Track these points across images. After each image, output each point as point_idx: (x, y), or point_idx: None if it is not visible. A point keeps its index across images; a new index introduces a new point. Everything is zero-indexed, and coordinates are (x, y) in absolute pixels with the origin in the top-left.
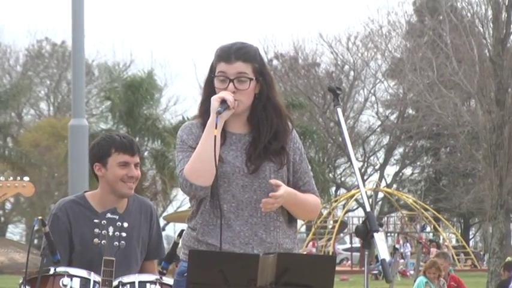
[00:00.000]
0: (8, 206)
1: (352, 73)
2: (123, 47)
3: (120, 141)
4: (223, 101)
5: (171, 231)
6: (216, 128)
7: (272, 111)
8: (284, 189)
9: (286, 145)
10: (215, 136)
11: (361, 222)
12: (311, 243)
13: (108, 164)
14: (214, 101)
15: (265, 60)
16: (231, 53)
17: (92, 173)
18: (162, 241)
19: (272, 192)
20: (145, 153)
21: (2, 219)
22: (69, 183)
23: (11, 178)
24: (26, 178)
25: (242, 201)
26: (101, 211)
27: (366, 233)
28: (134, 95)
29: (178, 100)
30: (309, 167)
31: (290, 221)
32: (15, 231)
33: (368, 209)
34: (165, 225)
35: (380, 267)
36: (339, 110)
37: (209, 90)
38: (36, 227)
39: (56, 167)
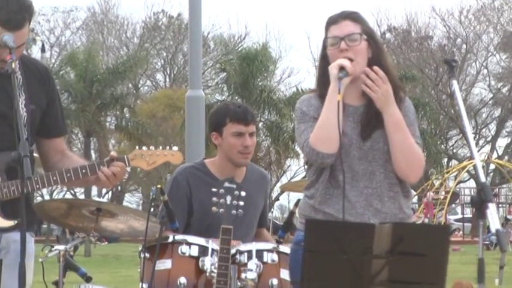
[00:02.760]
0: (125, 176)
1: (464, 46)
2: (238, 20)
3: (234, 111)
4: (341, 68)
5: (284, 200)
6: (339, 93)
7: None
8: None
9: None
10: (338, 101)
11: (472, 193)
12: (423, 213)
13: (223, 134)
14: (333, 68)
15: (378, 33)
16: (338, 15)
17: (210, 141)
18: (268, 211)
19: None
20: (260, 124)
21: (119, 188)
22: (186, 153)
23: (160, 148)
24: (175, 148)
25: (358, 173)
26: (220, 176)
27: (480, 203)
28: (249, 67)
29: (292, 72)
30: (417, 134)
31: (404, 191)
32: (132, 200)
33: (483, 179)
34: (279, 194)
35: (492, 237)
36: (455, 82)
37: (324, 65)
38: (154, 196)
39: (172, 137)
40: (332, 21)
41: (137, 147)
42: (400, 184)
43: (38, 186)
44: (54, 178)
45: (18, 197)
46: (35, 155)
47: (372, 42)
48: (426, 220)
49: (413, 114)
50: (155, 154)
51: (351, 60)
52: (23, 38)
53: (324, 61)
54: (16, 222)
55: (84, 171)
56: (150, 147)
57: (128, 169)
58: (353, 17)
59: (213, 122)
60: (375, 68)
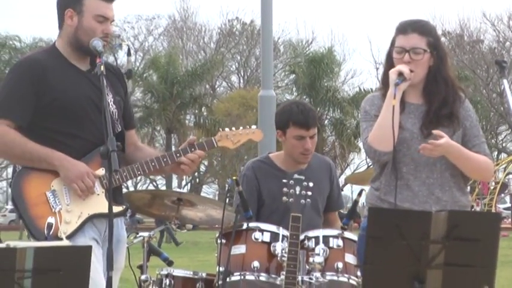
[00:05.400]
0: (202, 168)
1: None
2: (305, 26)
3: (297, 116)
4: (400, 74)
5: (348, 191)
6: (394, 98)
7: (442, 82)
8: (446, 140)
9: (455, 111)
10: (393, 106)
11: None
12: (475, 202)
13: (286, 134)
14: (392, 73)
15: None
16: (408, 26)
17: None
18: (341, 193)
19: (432, 140)
20: (326, 122)
21: (198, 180)
22: (259, 148)
23: (241, 128)
24: (254, 126)
25: (420, 164)
26: (285, 169)
27: None
28: (316, 69)
29: (355, 74)
30: (481, 133)
31: (463, 181)
32: (209, 191)
33: None
34: (343, 185)
35: None
36: (505, 81)
37: (389, 62)
38: (230, 187)
39: None
40: (401, 30)
41: (220, 129)
42: (459, 174)
43: (139, 172)
44: (153, 164)
45: (117, 185)
46: None
47: (435, 53)
48: (478, 209)
49: (474, 113)
50: (238, 134)
51: (411, 71)
52: (114, 14)
53: (389, 59)
54: (124, 207)
55: (165, 159)
56: (232, 128)
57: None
58: (421, 30)
59: (278, 121)
60: (431, 141)
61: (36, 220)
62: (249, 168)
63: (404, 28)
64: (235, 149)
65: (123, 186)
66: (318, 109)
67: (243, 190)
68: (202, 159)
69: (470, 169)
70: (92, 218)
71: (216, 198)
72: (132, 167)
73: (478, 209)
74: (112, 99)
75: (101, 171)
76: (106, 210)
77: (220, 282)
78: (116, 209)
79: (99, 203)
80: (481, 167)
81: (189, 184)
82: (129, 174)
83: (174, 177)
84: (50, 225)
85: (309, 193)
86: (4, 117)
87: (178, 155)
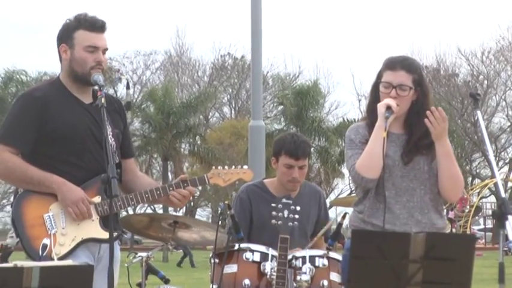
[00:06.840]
0: (197, 193)
1: (485, 82)
2: (292, 60)
3: (288, 146)
4: (388, 107)
5: (332, 214)
6: (385, 130)
7: (423, 115)
8: (447, 122)
9: (434, 141)
10: (384, 138)
11: (493, 207)
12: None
13: (279, 162)
14: (381, 107)
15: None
16: (396, 63)
17: (269, 163)
18: (328, 220)
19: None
20: (312, 149)
21: (192, 203)
22: None
23: (233, 167)
24: (245, 166)
25: (400, 189)
26: (277, 194)
27: (501, 215)
28: (302, 101)
29: (339, 105)
30: None
31: (440, 204)
32: (203, 214)
33: (503, 195)
34: (328, 208)
35: (510, 244)
36: (479, 113)
37: (375, 94)
38: (222, 210)
39: (237, 161)
40: (390, 66)
41: (214, 167)
42: (437, 199)
43: (133, 202)
44: (146, 196)
45: (113, 212)
46: None
47: (419, 89)
48: (454, 231)
49: (449, 143)
50: (229, 172)
51: (397, 104)
52: (106, 43)
53: (375, 91)
54: (116, 234)
55: (158, 192)
56: (225, 167)
57: (199, 188)
58: (408, 68)
59: (273, 149)
60: (440, 108)
61: (32, 241)
62: (243, 191)
63: (393, 64)
64: None
65: (123, 210)
66: None
67: (237, 211)
68: (193, 194)
69: (449, 173)
70: (85, 242)
71: (210, 220)
72: (127, 197)
73: (454, 230)
74: (111, 133)
75: (97, 199)
76: (99, 236)
77: None
78: (106, 235)
79: (93, 229)
80: (458, 175)
81: (184, 208)
82: (123, 204)
83: None
84: (44, 246)
85: (296, 216)
86: (7, 144)
87: (171, 189)
